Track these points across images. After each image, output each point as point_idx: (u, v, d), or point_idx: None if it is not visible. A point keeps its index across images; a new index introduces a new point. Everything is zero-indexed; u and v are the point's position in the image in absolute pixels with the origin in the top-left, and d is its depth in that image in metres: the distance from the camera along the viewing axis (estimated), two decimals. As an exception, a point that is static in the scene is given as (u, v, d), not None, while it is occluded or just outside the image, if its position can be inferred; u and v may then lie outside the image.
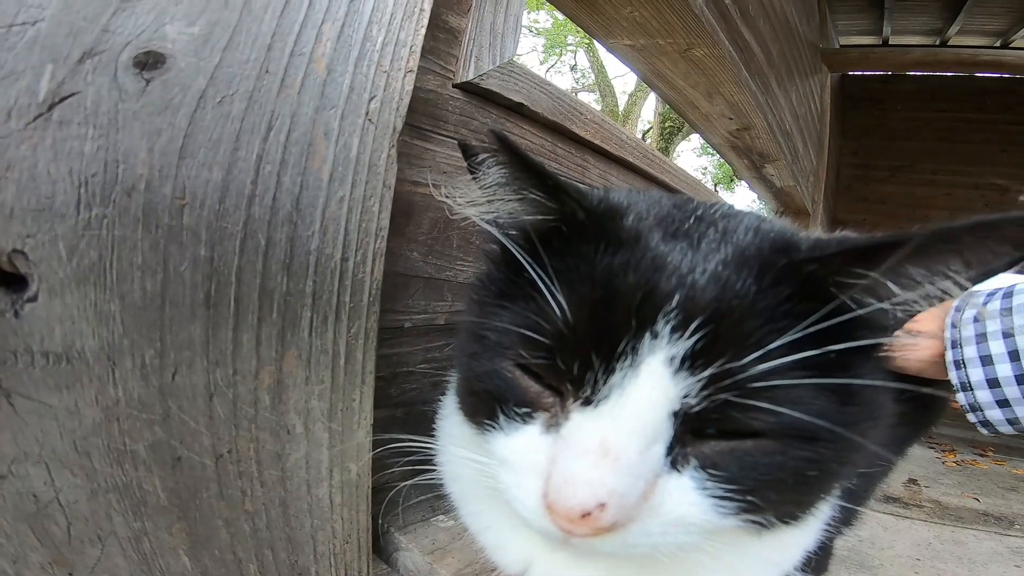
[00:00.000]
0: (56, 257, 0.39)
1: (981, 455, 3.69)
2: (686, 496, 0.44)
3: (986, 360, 0.77)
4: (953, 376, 0.80)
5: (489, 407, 0.50)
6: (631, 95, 12.07)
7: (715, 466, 0.44)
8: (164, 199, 0.44)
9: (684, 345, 0.42)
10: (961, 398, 0.80)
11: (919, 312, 0.44)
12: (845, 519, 0.80)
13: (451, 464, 0.69)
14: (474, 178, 0.53)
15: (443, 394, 0.77)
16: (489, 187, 0.51)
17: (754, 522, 0.47)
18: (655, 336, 0.43)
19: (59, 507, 0.43)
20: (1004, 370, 0.75)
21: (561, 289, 0.45)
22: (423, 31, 0.64)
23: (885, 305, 0.43)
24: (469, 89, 0.89)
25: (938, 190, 4.68)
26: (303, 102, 0.53)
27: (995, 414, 0.79)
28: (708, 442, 0.44)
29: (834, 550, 0.81)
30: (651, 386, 0.43)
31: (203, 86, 0.46)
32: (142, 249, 0.43)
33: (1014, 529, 2.40)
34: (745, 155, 2.89)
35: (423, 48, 0.77)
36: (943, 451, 3.68)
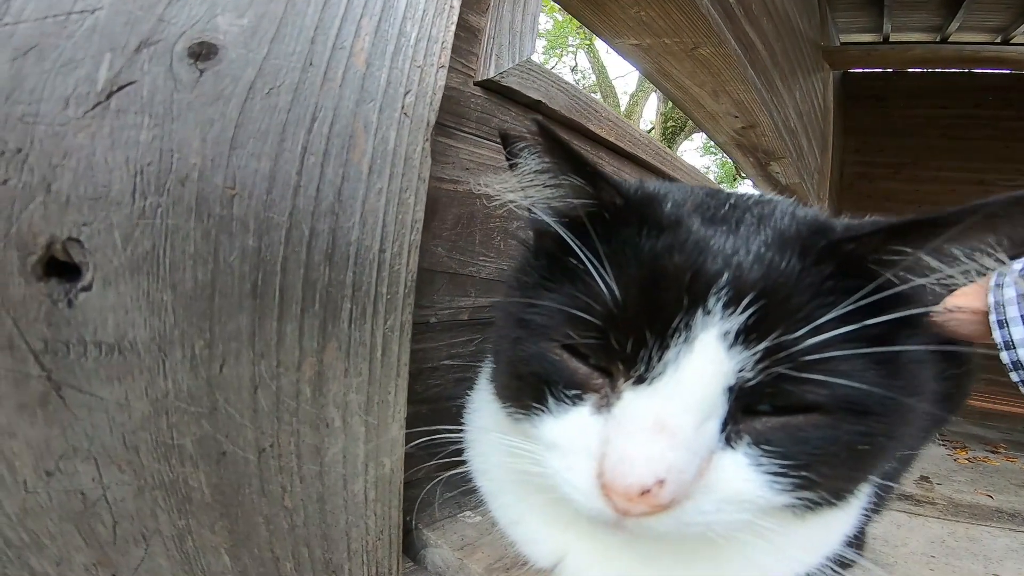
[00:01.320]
0: (111, 246, 0.39)
1: (993, 452, 3.68)
2: (740, 472, 0.45)
3: None
4: (997, 336, 0.84)
5: (536, 390, 0.50)
6: (632, 95, 12.10)
7: (768, 442, 0.45)
8: (216, 189, 0.44)
9: (738, 320, 0.43)
10: (1005, 356, 0.84)
11: (958, 286, 0.45)
12: (877, 505, 0.81)
13: (481, 458, 0.70)
14: (511, 166, 0.54)
15: (470, 389, 0.77)
16: (528, 174, 0.52)
17: (806, 500, 0.47)
18: (707, 312, 0.43)
19: (106, 505, 0.43)
20: None
21: (609, 270, 0.46)
22: (453, 27, 0.65)
23: (925, 281, 0.44)
24: (489, 87, 0.89)
25: (942, 186, 4.69)
26: (344, 95, 0.53)
27: None
28: (760, 418, 0.45)
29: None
30: (706, 361, 0.43)
31: (252, 77, 0.47)
32: (194, 238, 0.43)
33: (1028, 525, 2.39)
34: (751, 153, 2.90)
35: (447, 46, 0.78)
36: (955, 448, 3.67)
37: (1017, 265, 0.85)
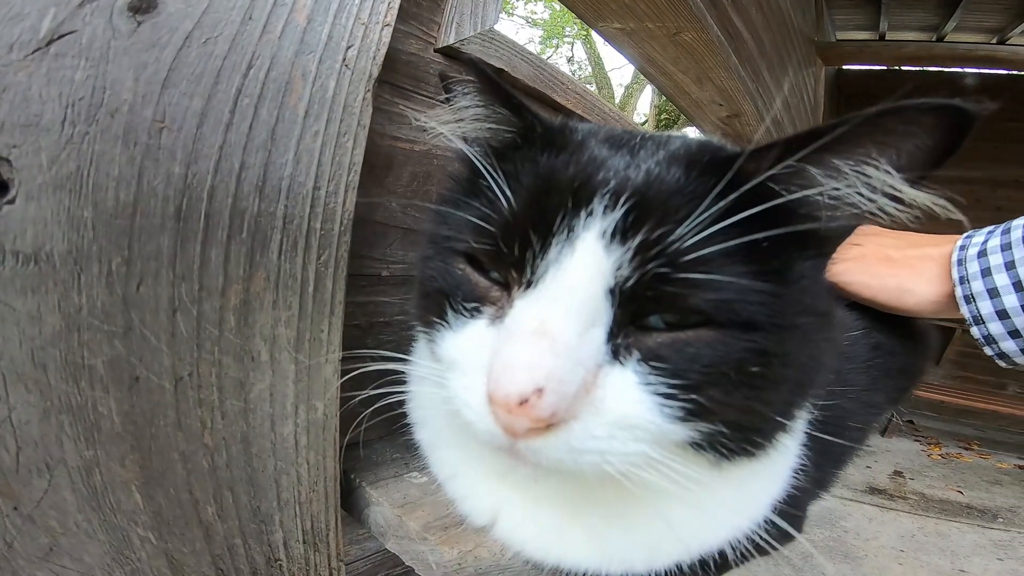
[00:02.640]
0: (37, 166, 0.42)
1: (966, 448, 3.73)
2: (629, 392, 0.44)
3: (993, 293, 0.80)
4: (965, 311, 0.83)
5: (438, 305, 0.52)
6: (627, 87, 12.10)
7: (657, 358, 0.44)
8: (144, 121, 0.47)
9: (614, 217, 0.43)
10: (975, 332, 0.83)
11: (850, 204, 0.45)
12: (819, 479, 0.79)
13: (420, 410, 0.70)
14: (447, 99, 0.57)
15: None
16: (461, 108, 0.56)
17: (707, 437, 0.46)
18: (590, 214, 0.44)
19: (10, 428, 0.43)
20: (1010, 301, 0.79)
21: (509, 184, 0.48)
22: (402, -12, 0.68)
23: (813, 193, 0.44)
24: (450, 54, 0.92)
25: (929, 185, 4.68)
26: (283, 46, 0.56)
27: (1009, 345, 0.82)
28: (651, 334, 0.44)
29: (808, 514, 0.78)
30: (585, 260, 0.43)
31: (190, 28, 0.50)
32: (119, 163, 0.46)
33: (997, 522, 2.44)
34: (736, 143, 2.92)
35: (406, 13, 0.81)
36: (928, 444, 3.72)
37: (979, 237, 0.86)
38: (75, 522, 0.48)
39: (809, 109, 3.90)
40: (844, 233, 0.50)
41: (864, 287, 0.93)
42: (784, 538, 0.62)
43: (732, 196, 0.43)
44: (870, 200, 0.44)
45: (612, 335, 0.45)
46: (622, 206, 0.44)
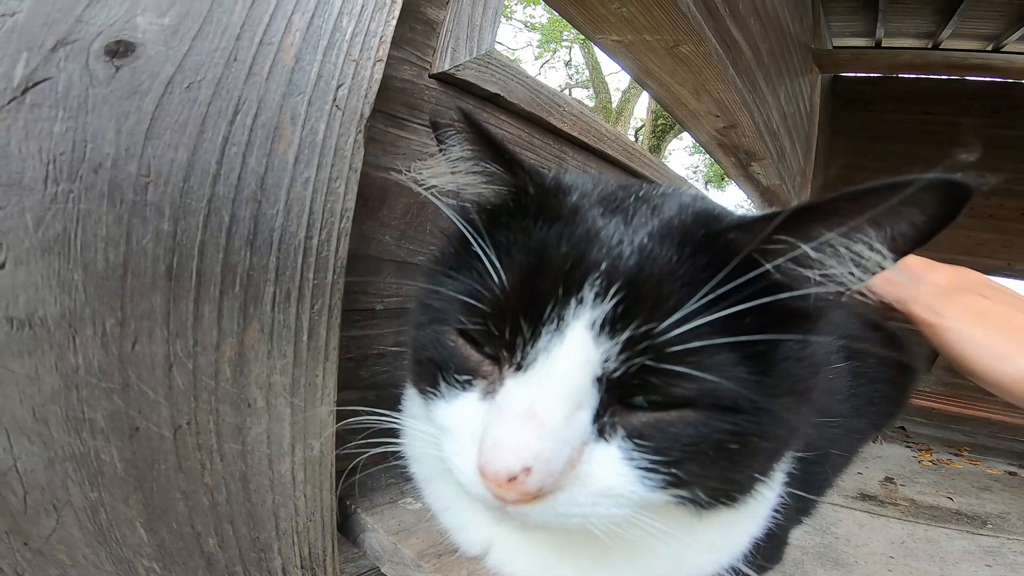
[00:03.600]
0: (23, 228, 0.42)
1: (956, 455, 3.76)
2: (613, 466, 0.45)
3: None
4: None
5: (432, 375, 0.52)
6: (625, 92, 12.09)
7: (641, 436, 0.45)
8: (129, 176, 0.46)
9: (604, 309, 0.44)
10: None
11: (842, 282, 0.45)
12: (800, 508, 0.81)
13: (414, 444, 0.71)
14: (441, 151, 0.56)
15: None
16: (453, 160, 0.55)
17: (685, 498, 0.48)
18: (580, 302, 0.45)
19: (16, 475, 0.44)
20: None
21: (499, 258, 0.48)
22: (394, 22, 0.66)
23: (807, 271, 0.44)
24: (445, 79, 0.90)
25: (923, 192, 4.71)
26: (270, 88, 0.55)
27: None
28: (636, 413, 0.46)
29: (790, 540, 0.81)
30: (574, 350, 0.44)
31: (171, 73, 0.48)
32: (106, 222, 0.45)
33: (986, 528, 2.45)
34: (732, 153, 2.93)
35: (400, 39, 0.79)
36: (919, 450, 3.74)
37: None
38: (83, 555, 0.49)
39: (805, 116, 3.91)
40: (829, 310, 0.49)
41: (970, 342, 0.86)
42: (764, 569, 0.65)
43: (726, 288, 0.43)
44: (859, 279, 0.44)
45: (598, 415, 0.46)
46: (612, 298, 0.44)
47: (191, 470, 0.54)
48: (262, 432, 0.58)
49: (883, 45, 4.51)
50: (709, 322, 0.43)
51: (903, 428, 4.30)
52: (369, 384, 0.85)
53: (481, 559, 0.66)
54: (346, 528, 0.76)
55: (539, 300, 0.46)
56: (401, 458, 0.73)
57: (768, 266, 0.44)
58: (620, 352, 0.43)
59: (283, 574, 0.64)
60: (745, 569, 0.61)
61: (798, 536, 2.10)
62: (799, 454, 0.65)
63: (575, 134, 1.21)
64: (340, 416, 0.64)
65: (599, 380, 0.45)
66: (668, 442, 0.45)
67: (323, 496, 0.66)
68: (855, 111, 5.12)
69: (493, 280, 0.48)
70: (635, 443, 0.45)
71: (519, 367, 0.46)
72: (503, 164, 0.52)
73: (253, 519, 0.60)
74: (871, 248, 0.42)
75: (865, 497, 2.72)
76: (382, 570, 0.72)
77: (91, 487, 0.48)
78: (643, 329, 0.43)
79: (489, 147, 0.52)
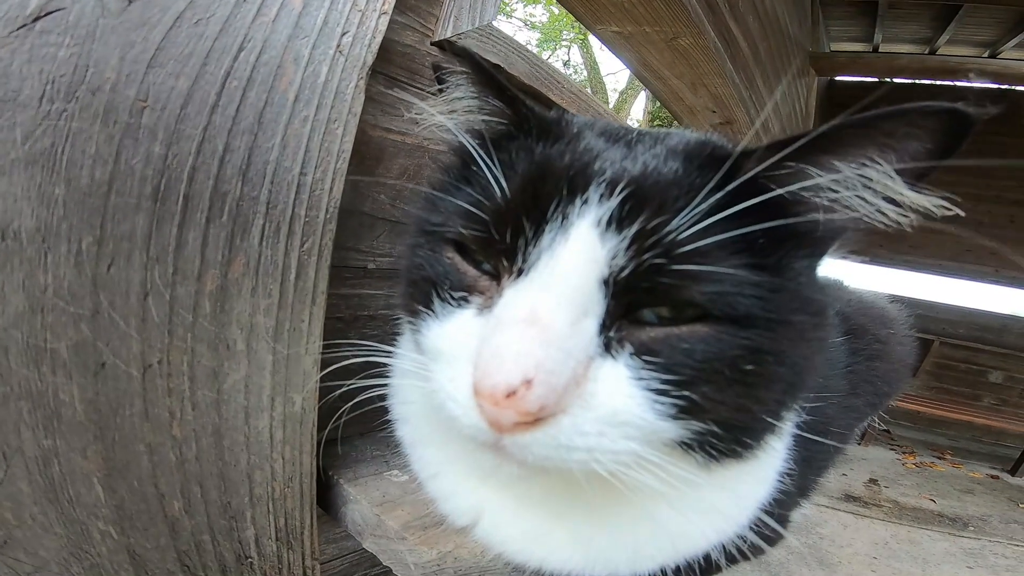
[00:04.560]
0: (11, 141, 0.41)
1: (939, 458, 3.80)
2: (621, 387, 0.42)
3: None
4: None
5: (425, 293, 0.50)
6: (622, 93, 12.11)
7: (651, 352, 0.42)
8: (127, 100, 0.46)
9: (610, 206, 0.42)
10: None
11: (848, 207, 0.44)
12: (802, 486, 0.78)
13: (402, 405, 0.69)
14: (441, 91, 0.56)
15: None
16: (454, 99, 0.55)
17: (698, 435, 0.45)
18: (585, 202, 0.43)
19: None
20: None
21: (503, 171, 0.47)
22: (401, -24, 0.67)
23: (809, 190, 0.44)
24: (446, 48, 0.91)
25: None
26: (276, 30, 0.55)
27: None
28: (645, 328, 0.43)
29: (791, 520, 0.78)
30: (579, 248, 0.42)
31: (182, 8, 0.49)
32: (97, 141, 0.45)
33: (968, 531, 2.49)
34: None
35: (405, 5, 0.79)
36: (903, 453, 3.79)
37: None
38: (31, 514, 0.46)
39: (800, 119, 3.93)
40: (840, 234, 0.49)
41: None
42: (771, 539, 0.61)
43: (730, 187, 0.42)
44: (869, 203, 0.44)
45: (604, 327, 0.43)
46: (619, 194, 0.43)
47: (159, 419, 0.51)
48: (240, 380, 0.56)
49: (880, 50, 4.54)
50: (719, 221, 0.41)
51: (888, 431, 4.35)
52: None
53: (469, 530, 0.63)
54: (327, 501, 0.73)
55: (542, 201, 0.44)
56: (388, 423, 0.71)
57: (782, 191, 0.43)
58: (628, 247, 0.42)
59: (256, 546, 0.61)
60: (754, 530, 0.58)
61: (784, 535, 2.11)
62: (804, 417, 0.63)
63: (573, 110, 1.21)
64: (325, 363, 0.62)
65: (605, 283, 0.42)
66: (680, 359, 0.42)
67: (303, 460, 0.63)
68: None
69: (494, 189, 0.46)
70: (644, 360, 0.42)
71: (520, 272, 0.44)
72: (505, 99, 0.52)
73: (225, 481, 0.57)
74: (879, 171, 0.42)
75: (850, 498, 2.75)
76: (364, 545, 0.69)
77: (46, 433, 0.45)
78: (652, 223, 0.41)
79: (490, 83, 0.52)
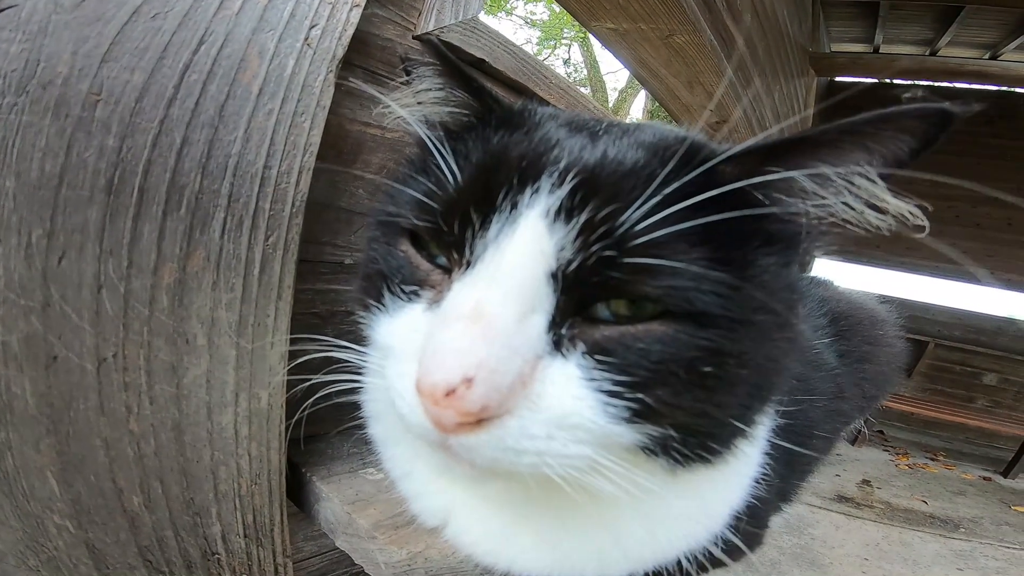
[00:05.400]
0: (-41, 134, 0.40)
1: (932, 459, 3.81)
2: (570, 387, 0.40)
3: None
4: None
5: (377, 287, 0.48)
6: (621, 92, 12.09)
7: (603, 351, 0.40)
8: (79, 94, 0.46)
9: (559, 195, 0.40)
10: None
11: (835, 213, 0.43)
12: (782, 490, 0.77)
13: (373, 403, 0.67)
14: (407, 82, 0.55)
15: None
16: (420, 91, 0.54)
17: (656, 441, 0.42)
18: (536, 192, 0.41)
19: None
20: None
21: (457, 161, 0.45)
22: (373, -31, 0.66)
23: (799, 201, 0.43)
24: (428, 41, 0.90)
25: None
26: (240, 23, 0.54)
27: None
28: (598, 327, 0.41)
29: (770, 525, 0.77)
30: (526, 239, 0.40)
31: (138, 3, 0.48)
32: (47, 134, 0.44)
33: (959, 532, 2.49)
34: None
35: (385, -1, 0.79)
36: (896, 454, 3.79)
37: None
38: None
39: (799, 119, 3.92)
40: (814, 234, 0.46)
41: None
42: (749, 545, 0.59)
43: (689, 176, 0.40)
44: (851, 208, 0.42)
45: (554, 324, 0.41)
46: (569, 182, 0.40)
47: (115, 413, 0.50)
48: (201, 375, 0.55)
49: (881, 51, 4.53)
50: (678, 211, 0.39)
51: (881, 432, 4.35)
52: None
53: (440, 531, 0.62)
54: (300, 498, 0.72)
55: (491, 191, 0.42)
56: (362, 420, 0.69)
57: (742, 181, 0.41)
58: (576, 238, 0.39)
59: (223, 542, 0.60)
60: (728, 537, 0.56)
61: (775, 536, 2.12)
62: (782, 421, 0.61)
63: (561, 106, 1.20)
64: (293, 355, 0.60)
65: (554, 276, 0.40)
66: (634, 359, 0.40)
67: (270, 456, 0.62)
68: (848, 117, 5.13)
69: (447, 179, 0.45)
70: (597, 360, 0.40)
71: (468, 264, 0.43)
72: (470, 90, 0.51)
73: (187, 477, 0.56)
74: (865, 177, 0.41)
75: (842, 499, 2.75)
76: (337, 543, 0.68)
77: None
78: (602, 213, 0.39)
79: (456, 73, 0.51)
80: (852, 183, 0.41)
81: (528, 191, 0.41)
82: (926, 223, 0.41)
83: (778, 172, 0.40)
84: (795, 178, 0.41)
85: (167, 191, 0.50)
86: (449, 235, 0.44)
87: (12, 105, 0.43)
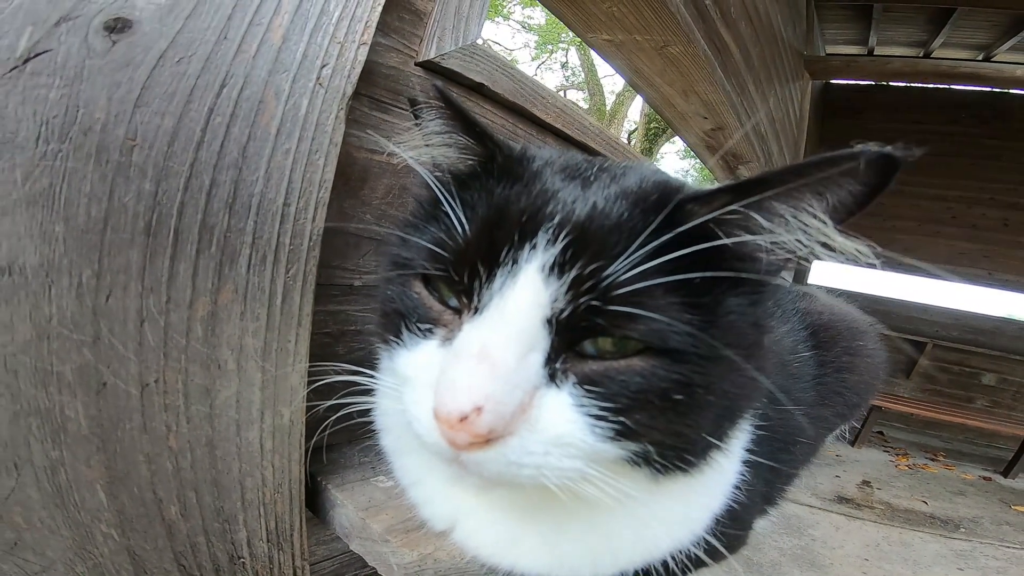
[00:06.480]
0: (12, 182, 0.45)
1: (932, 459, 3.83)
2: (563, 413, 0.47)
3: None
4: None
5: (396, 324, 0.55)
6: (619, 95, 12.11)
7: (591, 383, 0.47)
8: (116, 139, 0.49)
9: (553, 252, 0.47)
10: None
11: (790, 250, 0.48)
12: (766, 495, 0.84)
13: (384, 416, 0.72)
14: (416, 125, 0.60)
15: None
16: (428, 134, 0.58)
17: (638, 455, 0.50)
18: (534, 248, 0.48)
19: None
20: None
21: (464, 212, 0.51)
22: (380, 7, 0.70)
23: (756, 238, 0.47)
24: (430, 68, 0.93)
25: (905, 200, 4.78)
26: (257, 65, 0.58)
27: None
28: (587, 362, 0.48)
29: (754, 527, 0.81)
30: (525, 291, 0.47)
31: (164, 48, 0.52)
32: (91, 180, 0.48)
33: (959, 532, 2.51)
34: (719, 156, 2.97)
35: (388, 27, 0.82)
36: (896, 454, 3.81)
37: None
38: (39, 518, 0.50)
39: (794, 122, 3.95)
40: (776, 273, 0.52)
41: None
42: (731, 547, 0.66)
43: (669, 235, 0.46)
44: (805, 246, 0.47)
45: (550, 360, 0.48)
46: (562, 241, 0.47)
47: (156, 432, 0.55)
48: (231, 396, 0.60)
49: (875, 53, 4.56)
50: (655, 267, 0.46)
51: (881, 433, 4.37)
52: (346, 360, 0.87)
53: (448, 534, 0.67)
54: (316, 504, 0.77)
55: (496, 246, 0.49)
56: (373, 432, 0.74)
57: (727, 240, 0.47)
58: (567, 291, 0.46)
59: (248, 547, 0.65)
60: (709, 538, 0.62)
61: (776, 537, 2.15)
62: (760, 432, 0.67)
63: (558, 126, 1.24)
64: (313, 377, 0.65)
65: (549, 322, 0.47)
66: (617, 389, 0.47)
67: (291, 467, 0.67)
68: (844, 119, 5.17)
69: (456, 230, 0.51)
70: (586, 390, 0.47)
71: (476, 310, 0.49)
72: (474, 136, 0.56)
73: (218, 487, 0.61)
74: (814, 217, 0.45)
75: (842, 500, 2.78)
76: (351, 547, 0.72)
77: (53, 444, 0.49)
78: (589, 269, 0.46)
79: (461, 120, 0.56)
80: (804, 223, 0.46)
81: (527, 247, 0.48)
82: (876, 261, 0.46)
83: (738, 210, 0.46)
84: (752, 216, 0.46)
85: (199, 231, 0.55)
86: (460, 284, 0.50)
87: (56, 152, 0.46)
